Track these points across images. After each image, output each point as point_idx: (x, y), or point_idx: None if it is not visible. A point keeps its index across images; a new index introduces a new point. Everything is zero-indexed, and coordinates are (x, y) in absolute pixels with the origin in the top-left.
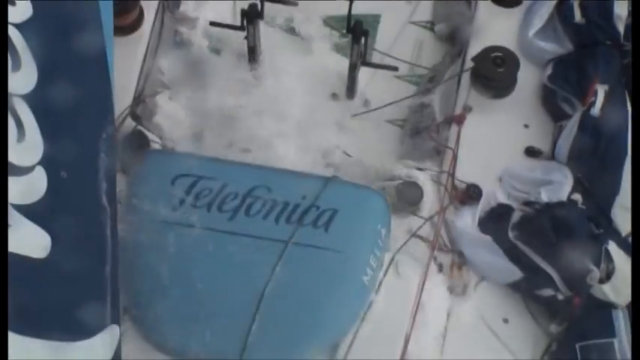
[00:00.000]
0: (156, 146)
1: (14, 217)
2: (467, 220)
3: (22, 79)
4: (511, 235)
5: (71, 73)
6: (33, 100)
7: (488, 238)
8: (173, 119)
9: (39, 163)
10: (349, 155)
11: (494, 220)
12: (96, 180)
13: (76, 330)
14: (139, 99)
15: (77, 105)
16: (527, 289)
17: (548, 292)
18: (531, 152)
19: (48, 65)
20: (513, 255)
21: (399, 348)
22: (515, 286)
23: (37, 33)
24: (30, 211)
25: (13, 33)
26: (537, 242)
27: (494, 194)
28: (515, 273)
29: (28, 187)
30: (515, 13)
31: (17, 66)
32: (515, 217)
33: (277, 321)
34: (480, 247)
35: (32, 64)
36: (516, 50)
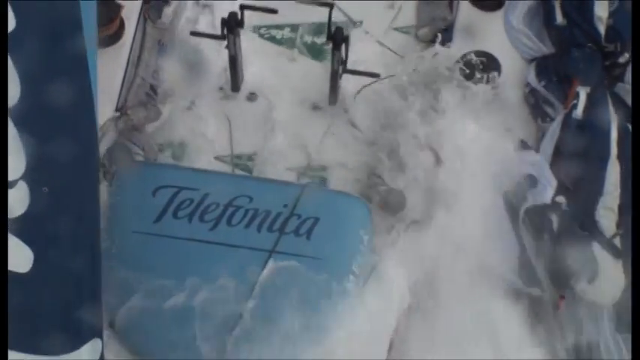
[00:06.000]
0: (138, 158)
1: None
2: None
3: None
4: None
5: (53, 84)
6: (15, 114)
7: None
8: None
9: (21, 178)
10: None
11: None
12: (78, 194)
13: (58, 343)
14: (121, 110)
15: (59, 118)
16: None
17: (535, 290)
18: (525, 146)
19: (30, 78)
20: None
21: (384, 354)
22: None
23: (20, 45)
24: (13, 226)
25: None
26: (531, 237)
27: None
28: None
29: (10, 201)
30: (497, 17)
31: None
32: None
33: (261, 329)
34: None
35: (15, 77)
36: (498, 53)
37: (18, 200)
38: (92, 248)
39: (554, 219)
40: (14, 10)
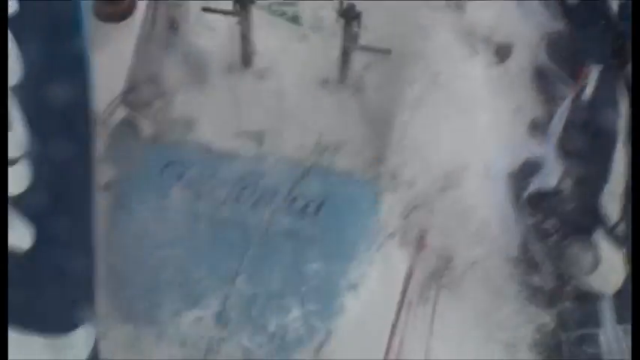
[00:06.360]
0: (147, 133)
1: None
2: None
3: (9, 71)
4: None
5: (54, 66)
6: (18, 92)
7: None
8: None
9: (24, 156)
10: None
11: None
12: (79, 174)
13: (53, 324)
14: (131, 87)
15: (60, 98)
16: (520, 272)
17: (536, 279)
18: (535, 125)
19: (32, 59)
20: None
21: (384, 341)
22: (509, 268)
23: (22, 27)
24: (15, 202)
25: None
26: (532, 224)
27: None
28: (515, 243)
29: (13, 178)
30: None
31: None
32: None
33: (266, 310)
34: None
35: (18, 57)
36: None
37: (20, 177)
38: (92, 230)
39: (559, 204)
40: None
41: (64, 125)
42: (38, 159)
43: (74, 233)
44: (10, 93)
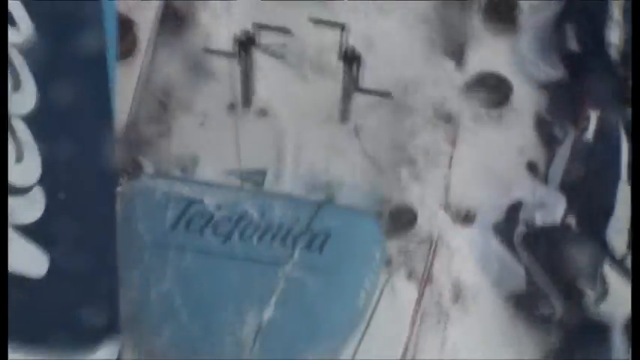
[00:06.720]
0: (149, 171)
1: (12, 237)
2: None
3: (22, 100)
4: (516, 243)
5: (69, 94)
6: (31, 120)
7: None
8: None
9: (37, 183)
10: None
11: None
12: (95, 201)
13: (75, 345)
14: (132, 124)
15: (74, 125)
16: (527, 304)
17: (546, 310)
18: (532, 168)
19: (47, 86)
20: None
21: None
22: (515, 300)
23: (37, 54)
24: (28, 231)
25: (13, 53)
26: (536, 259)
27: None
28: (520, 279)
29: (26, 206)
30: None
31: (17, 86)
32: (520, 229)
33: (274, 342)
34: (491, 251)
35: (32, 84)
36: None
37: (34, 205)
38: (109, 251)
39: (564, 239)
40: (31, 13)
41: (81, 145)
42: (53, 183)
43: (92, 255)
44: (20, 121)
